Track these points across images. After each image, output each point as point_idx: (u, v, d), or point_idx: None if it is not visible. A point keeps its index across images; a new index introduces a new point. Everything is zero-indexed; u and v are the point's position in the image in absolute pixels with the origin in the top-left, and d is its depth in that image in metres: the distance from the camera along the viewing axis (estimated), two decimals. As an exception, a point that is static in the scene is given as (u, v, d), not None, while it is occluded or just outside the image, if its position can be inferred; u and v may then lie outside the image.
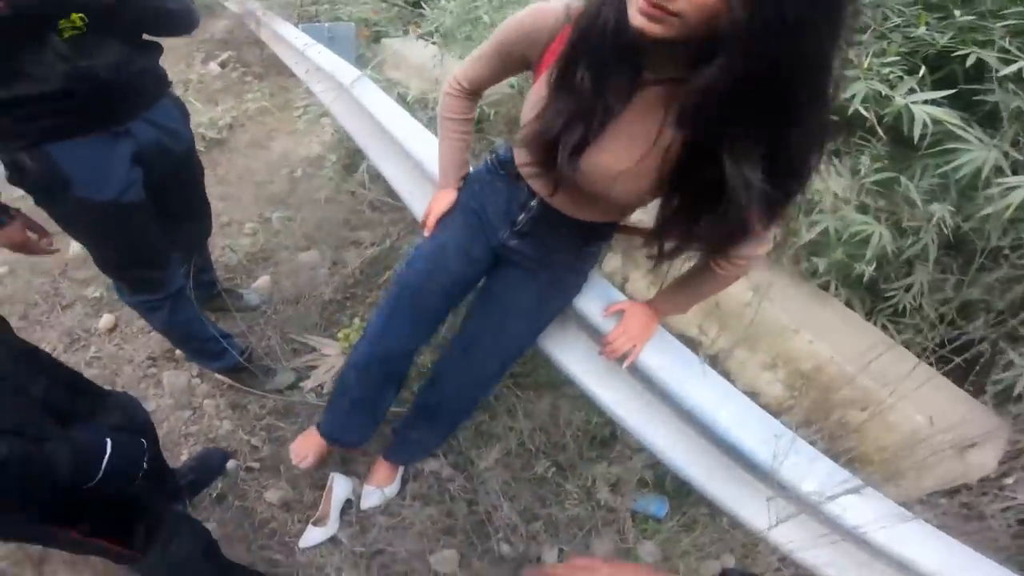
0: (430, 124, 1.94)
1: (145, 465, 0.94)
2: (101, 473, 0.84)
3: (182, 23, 1.33)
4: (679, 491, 1.53)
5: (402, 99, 2.21)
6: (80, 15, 1.09)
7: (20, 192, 1.23)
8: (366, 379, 1.37)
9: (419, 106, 2.34)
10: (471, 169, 1.26)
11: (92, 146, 1.22)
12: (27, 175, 1.18)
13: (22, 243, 1.25)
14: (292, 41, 3.25)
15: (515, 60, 0.98)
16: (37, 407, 0.86)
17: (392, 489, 1.60)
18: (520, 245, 1.13)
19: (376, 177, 2.41)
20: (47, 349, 2.05)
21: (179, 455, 1.74)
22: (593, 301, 1.23)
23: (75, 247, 2.52)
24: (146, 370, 1.99)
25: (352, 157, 2.69)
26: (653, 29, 0.63)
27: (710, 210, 0.76)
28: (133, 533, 1.01)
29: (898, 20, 1.55)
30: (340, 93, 2.35)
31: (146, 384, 1.95)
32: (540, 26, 0.87)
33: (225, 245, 2.39)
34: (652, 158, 0.81)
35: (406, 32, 3.47)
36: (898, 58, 1.47)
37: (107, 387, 1.95)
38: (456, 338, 1.32)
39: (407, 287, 1.25)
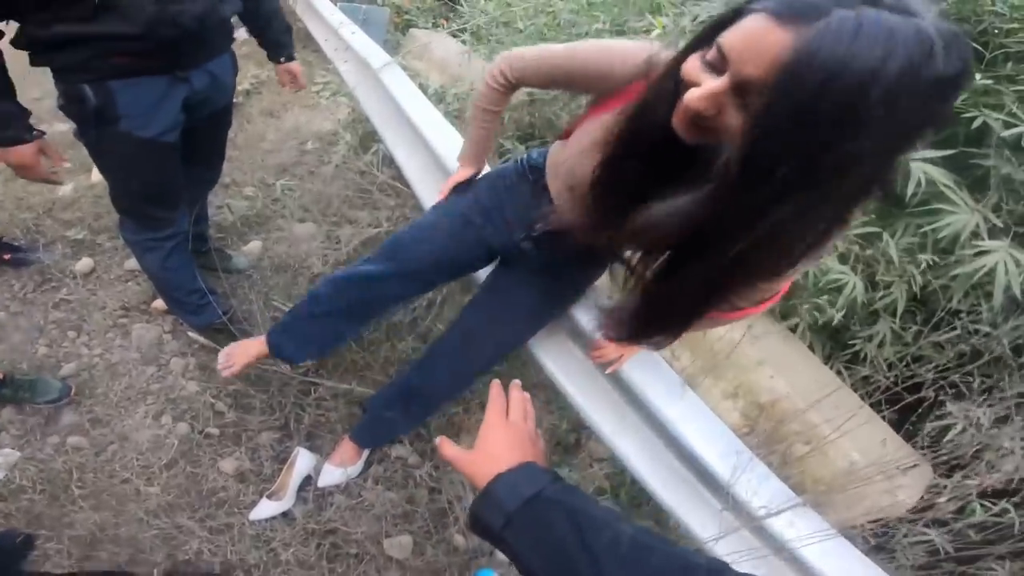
0: (447, 117, 1.98)
1: None
2: None
3: None
4: (633, 501, 1.56)
5: (423, 90, 2.24)
6: None
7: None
8: (337, 294, 1.35)
9: (436, 99, 2.34)
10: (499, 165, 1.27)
11: (151, 87, 1.24)
12: (83, 107, 1.19)
13: (31, 166, 1.24)
14: (327, 17, 3.20)
15: (578, 80, 0.94)
16: None
17: (355, 470, 1.59)
18: (532, 250, 1.14)
19: (387, 161, 2.40)
20: (17, 286, 2.02)
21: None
22: (584, 309, 1.28)
23: (65, 189, 2.48)
24: (116, 319, 1.94)
25: (365, 138, 2.67)
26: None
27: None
28: None
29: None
30: (367, 75, 2.35)
31: (113, 334, 1.90)
32: (623, 64, 0.84)
33: (222, 205, 2.36)
34: None
35: (435, 25, 3.50)
36: (907, 116, 1.53)
37: (71, 332, 1.87)
38: (456, 323, 1.35)
39: (396, 239, 1.29)
